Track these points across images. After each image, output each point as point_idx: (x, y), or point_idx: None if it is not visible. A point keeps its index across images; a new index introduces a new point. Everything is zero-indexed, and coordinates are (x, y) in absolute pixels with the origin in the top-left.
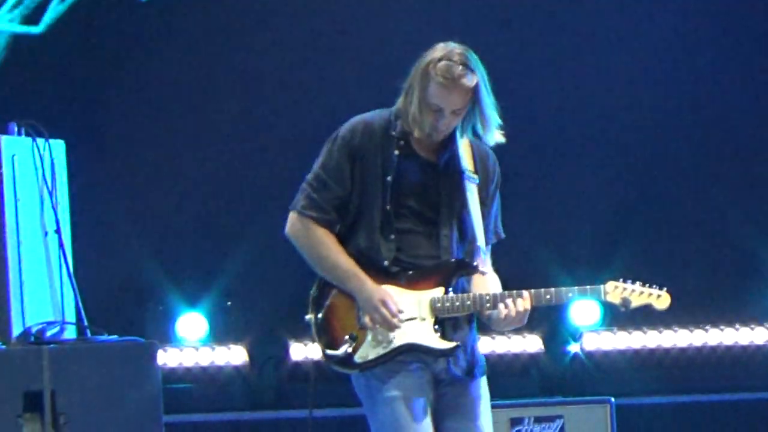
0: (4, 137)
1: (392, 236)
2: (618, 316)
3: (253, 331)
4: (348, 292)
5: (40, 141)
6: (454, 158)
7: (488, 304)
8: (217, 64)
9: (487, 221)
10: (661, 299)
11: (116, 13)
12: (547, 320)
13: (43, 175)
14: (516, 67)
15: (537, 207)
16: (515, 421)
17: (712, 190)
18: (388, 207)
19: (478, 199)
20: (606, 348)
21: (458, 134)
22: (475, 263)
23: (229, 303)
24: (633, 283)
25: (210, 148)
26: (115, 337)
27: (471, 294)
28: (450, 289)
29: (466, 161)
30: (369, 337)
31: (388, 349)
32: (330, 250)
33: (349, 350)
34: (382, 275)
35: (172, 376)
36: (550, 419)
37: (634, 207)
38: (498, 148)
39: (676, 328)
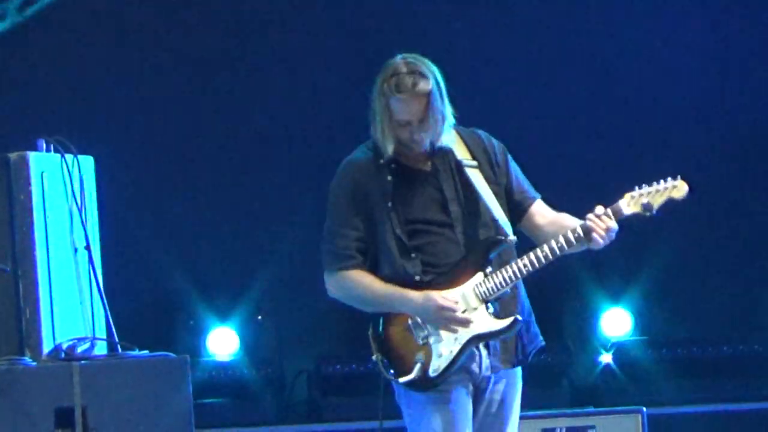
0: (32, 154)
1: (413, 255)
2: (649, 326)
3: (284, 345)
4: (398, 318)
5: (69, 157)
6: (447, 153)
7: (576, 235)
8: (250, 78)
9: (516, 186)
10: (678, 188)
11: (143, 29)
12: (578, 330)
13: (72, 191)
14: (547, 66)
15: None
16: None
17: (748, 197)
18: (397, 231)
19: (485, 179)
20: (637, 357)
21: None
22: (498, 236)
23: (260, 317)
24: (647, 185)
25: (241, 163)
26: (146, 352)
27: (509, 267)
28: (488, 270)
29: (460, 152)
30: (434, 351)
31: (455, 352)
32: (365, 287)
33: (422, 371)
34: (419, 289)
35: (204, 390)
36: (582, 429)
37: (666, 214)
38: (522, 149)
39: (706, 338)
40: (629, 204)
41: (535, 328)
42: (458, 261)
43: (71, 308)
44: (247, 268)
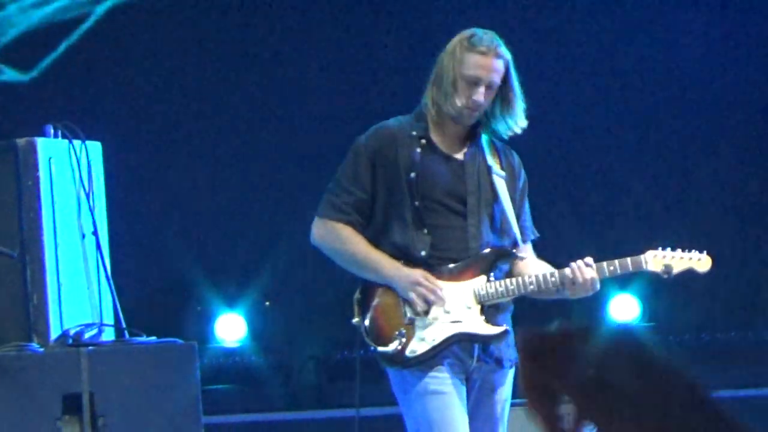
0: (40, 139)
1: (425, 230)
2: (656, 312)
3: (292, 331)
4: (390, 287)
5: (77, 143)
6: (480, 153)
7: (553, 279)
8: (257, 66)
9: (522, 218)
10: (701, 262)
11: (150, 17)
12: (586, 316)
13: (80, 177)
14: (557, 62)
15: (578, 217)
16: None
17: (757, 195)
18: (416, 203)
19: (508, 193)
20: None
21: (483, 134)
22: (513, 250)
23: (268, 303)
24: (673, 250)
25: (248, 148)
26: (153, 338)
27: (514, 279)
28: (492, 276)
29: (492, 159)
30: (417, 333)
31: (437, 342)
32: (357, 245)
33: (399, 347)
34: (422, 268)
35: (212, 377)
36: None
37: (673, 213)
38: (535, 147)
39: (715, 323)
40: (651, 261)
41: (512, 346)
42: (467, 258)
43: (79, 294)
44: (255, 254)
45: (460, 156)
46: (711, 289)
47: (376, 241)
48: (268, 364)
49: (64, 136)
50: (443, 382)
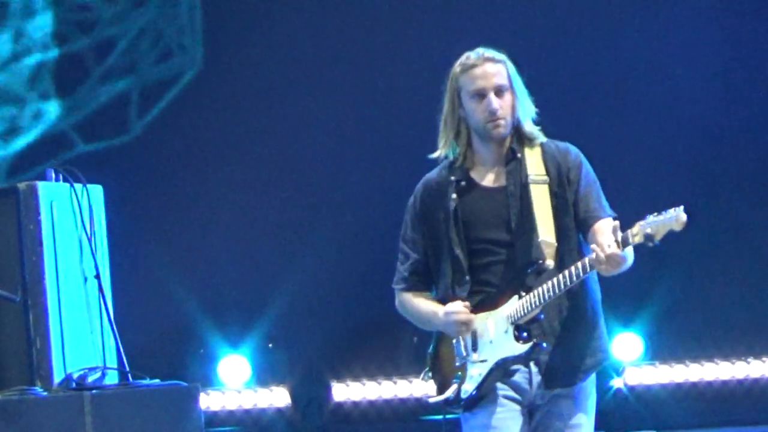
0: (41, 183)
1: (466, 277)
2: (660, 350)
3: (296, 372)
4: (448, 338)
5: (78, 186)
6: (519, 166)
7: (583, 266)
8: (257, 107)
9: (584, 202)
10: (678, 219)
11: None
12: None
13: (82, 220)
14: (566, 63)
15: None
16: None
17: (759, 218)
18: (456, 251)
19: (550, 194)
20: (648, 382)
21: (520, 145)
22: (534, 260)
23: (271, 345)
24: (653, 215)
25: (250, 191)
26: (156, 381)
27: (536, 290)
28: (522, 293)
29: (533, 166)
30: (468, 373)
31: (483, 375)
32: (414, 306)
33: (456, 390)
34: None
35: (215, 419)
36: None
37: (675, 237)
38: None
39: (717, 361)
40: (636, 233)
41: (596, 344)
42: (500, 285)
43: (82, 338)
44: (259, 296)
45: (501, 181)
46: (714, 326)
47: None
48: (271, 406)
49: (65, 180)
50: (494, 421)
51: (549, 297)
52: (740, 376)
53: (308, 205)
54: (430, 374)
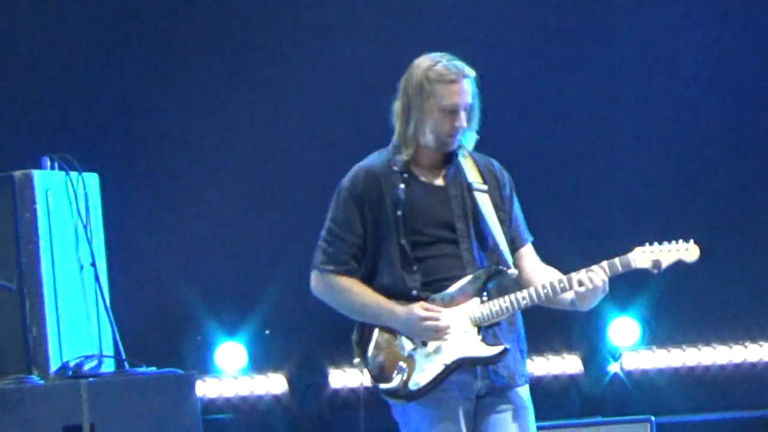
0: (37, 172)
1: (414, 267)
2: (657, 335)
3: (293, 359)
4: (386, 327)
5: (74, 174)
6: (459, 173)
7: (561, 285)
8: (255, 92)
9: (515, 223)
10: (689, 252)
11: (151, 44)
12: (587, 340)
13: (77, 208)
14: (556, 65)
15: (580, 220)
16: None
17: (756, 203)
18: (402, 241)
19: (492, 205)
20: (645, 367)
21: (458, 151)
22: (501, 267)
23: (268, 332)
24: (659, 244)
25: (247, 176)
26: (153, 368)
27: (507, 297)
28: (485, 297)
29: (472, 174)
30: (418, 365)
31: (439, 371)
32: (355, 295)
33: (402, 381)
34: (414, 302)
35: (212, 406)
36: None
37: (673, 221)
38: (538, 150)
39: (715, 345)
40: (639, 258)
41: (523, 361)
42: (457, 284)
43: (78, 326)
44: (255, 282)
45: (441, 182)
46: (711, 310)
47: (367, 283)
48: (268, 393)
49: (60, 168)
50: (444, 414)
51: (524, 305)
52: (738, 360)
53: (306, 191)
54: (361, 361)
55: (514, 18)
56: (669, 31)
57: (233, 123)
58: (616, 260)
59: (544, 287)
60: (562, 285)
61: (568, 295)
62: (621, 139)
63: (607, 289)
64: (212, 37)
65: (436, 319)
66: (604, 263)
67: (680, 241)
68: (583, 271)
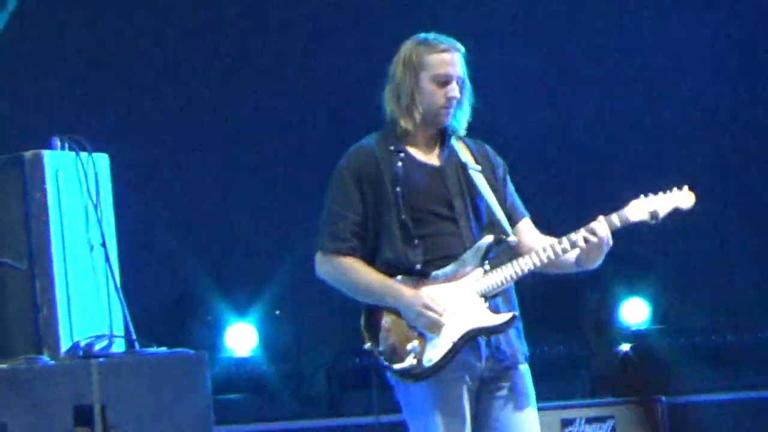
0: (47, 152)
1: (415, 242)
2: (667, 315)
3: (303, 340)
4: (391, 308)
5: (84, 155)
6: (453, 154)
7: (562, 246)
8: (268, 72)
9: (510, 200)
10: (684, 198)
11: (159, 25)
12: (597, 321)
13: (88, 189)
14: (558, 65)
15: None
16: (566, 422)
17: (764, 186)
18: (403, 217)
19: (488, 185)
20: (656, 346)
21: (451, 135)
22: (501, 236)
23: (278, 312)
24: (653, 195)
25: (258, 159)
26: (164, 349)
27: (509, 264)
28: (487, 266)
29: (465, 156)
30: (429, 341)
31: (451, 344)
32: (360, 275)
33: (415, 360)
34: (417, 279)
35: (223, 386)
36: (602, 419)
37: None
38: (542, 145)
39: (725, 325)
40: (635, 211)
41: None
42: (459, 257)
43: (88, 306)
44: (265, 263)
45: (436, 161)
46: (721, 290)
47: (370, 261)
48: (278, 373)
49: (71, 149)
50: (447, 392)
51: (527, 270)
52: (748, 340)
53: (317, 172)
54: (373, 345)
55: (520, 14)
56: (675, 22)
57: (245, 105)
58: (613, 215)
59: (545, 249)
60: (562, 245)
61: (571, 256)
62: (630, 128)
63: (611, 242)
64: (223, 20)
65: (438, 314)
66: (601, 218)
67: (674, 189)
68: (583, 229)
